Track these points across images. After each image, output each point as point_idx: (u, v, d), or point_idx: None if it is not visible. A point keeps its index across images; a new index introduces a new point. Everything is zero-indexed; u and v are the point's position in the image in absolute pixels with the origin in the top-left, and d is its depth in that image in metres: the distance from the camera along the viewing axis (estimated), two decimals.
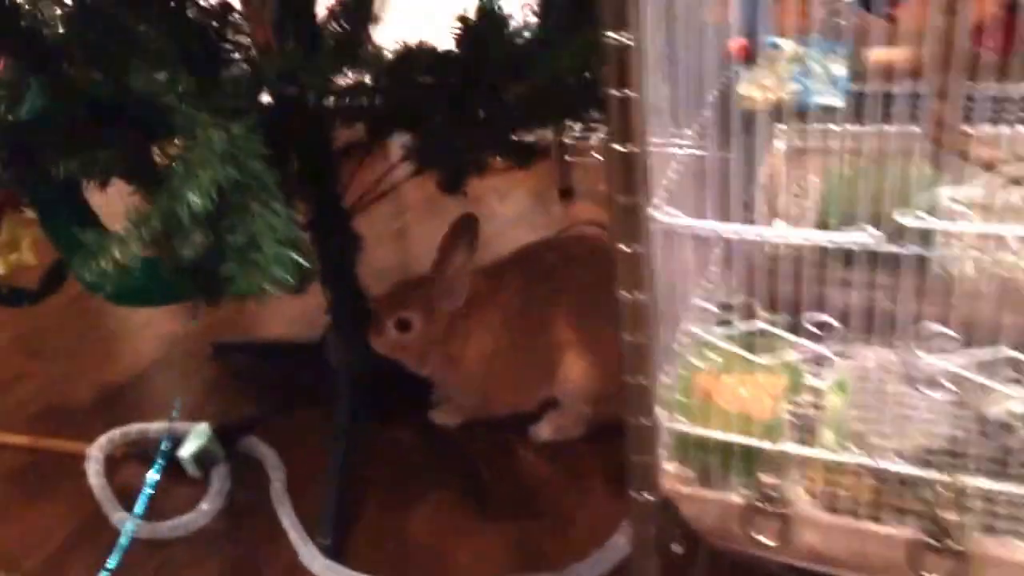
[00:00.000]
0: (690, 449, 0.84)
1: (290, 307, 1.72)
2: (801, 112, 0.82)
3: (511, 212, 1.86)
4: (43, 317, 1.71)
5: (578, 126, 2.01)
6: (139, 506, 1.24)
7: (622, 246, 0.71)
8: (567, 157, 1.97)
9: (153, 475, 1.27)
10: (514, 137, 1.38)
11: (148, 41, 0.92)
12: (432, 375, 1.32)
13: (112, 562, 1.16)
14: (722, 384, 0.88)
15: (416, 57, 1.26)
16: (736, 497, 0.80)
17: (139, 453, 1.37)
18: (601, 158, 1.96)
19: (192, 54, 0.91)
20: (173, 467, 1.31)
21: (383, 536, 1.19)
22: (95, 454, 1.36)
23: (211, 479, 1.30)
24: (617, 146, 0.66)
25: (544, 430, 1.31)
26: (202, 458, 1.32)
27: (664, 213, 0.72)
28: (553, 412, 1.31)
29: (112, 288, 1.17)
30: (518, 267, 1.30)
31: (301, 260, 0.81)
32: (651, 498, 0.82)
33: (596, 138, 1.98)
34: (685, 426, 0.81)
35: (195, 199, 0.78)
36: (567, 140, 1.97)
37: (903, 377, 0.90)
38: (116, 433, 1.40)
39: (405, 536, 1.18)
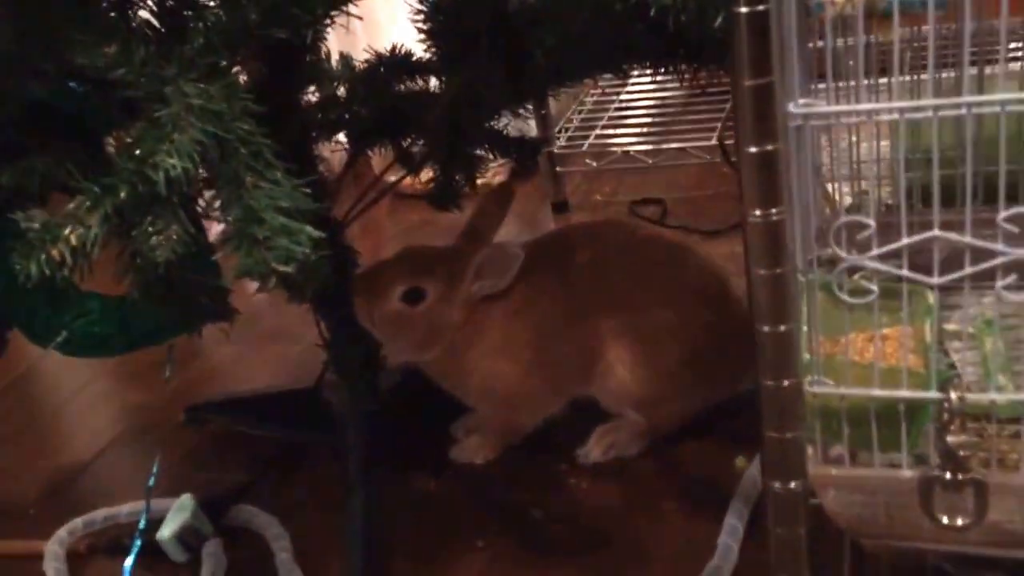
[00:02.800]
0: (835, 421, 0.68)
1: (267, 355, 1.55)
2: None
3: (502, 236, 1.71)
4: None
5: (566, 134, 1.89)
6: None
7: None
8: (558, 168, 1.84)
9: (128, 564, 1.06)
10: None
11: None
12: (430, 367, 1.14)
13: None
14: (844, 343, 0.74)
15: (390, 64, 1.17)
16: (907, 472, 0.65)
17: (109, 544, 1.17)
18: (595, 164, 1.84)
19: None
20: (153, 553, 1.10)
21: None
22: (54, 550, 1.15)
23: (201, 561, 1.10)
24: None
25: (594, 450, 1.15)
26: (187, 538, 1.12)
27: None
28: (601, 427, 1.15)
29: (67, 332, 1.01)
30: (547, 254, 1.15)
31: (312, 231, 0.65)
32: (797, 487, 0.65)
33: (588, 144, 1.86)
34: (837, 388, 0.65)
35: (171, 161, 0.62)
36: (557, 149, 1.83)
37: None
38: (78, 522, 1.20)
39: None
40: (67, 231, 0.62)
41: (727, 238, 1.55)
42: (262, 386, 1.45)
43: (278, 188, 0.67)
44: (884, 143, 0.86)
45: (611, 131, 1.93)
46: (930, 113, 0.55)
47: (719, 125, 1.80)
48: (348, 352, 1.19)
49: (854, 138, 0.86)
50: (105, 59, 0.72)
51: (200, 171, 0.68)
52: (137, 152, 0.62)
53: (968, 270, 0.56)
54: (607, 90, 2.10)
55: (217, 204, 0.68)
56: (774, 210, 0.57)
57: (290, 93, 1.01)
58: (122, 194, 0.62)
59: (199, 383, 1.51)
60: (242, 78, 0.85)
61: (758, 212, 0.57)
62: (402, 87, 1.21)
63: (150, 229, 0.68)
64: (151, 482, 1.09)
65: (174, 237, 0.69)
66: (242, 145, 0.68)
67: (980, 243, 0.55)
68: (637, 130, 1.92)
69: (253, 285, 0.70)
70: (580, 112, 2.01)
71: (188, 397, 1.44)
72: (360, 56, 1.22)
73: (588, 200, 1.90)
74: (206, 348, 1.59)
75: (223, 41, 0.72)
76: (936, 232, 0.56)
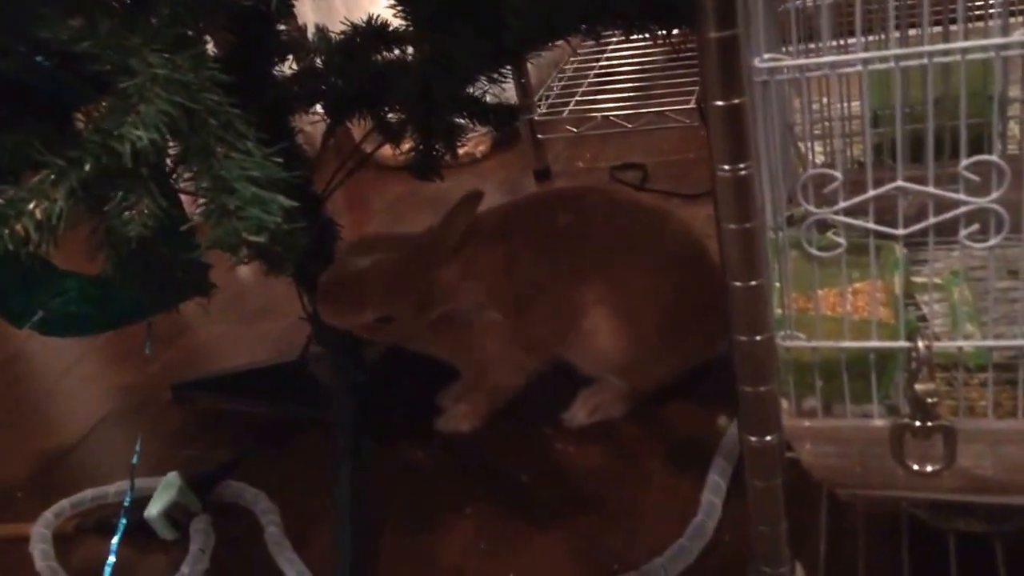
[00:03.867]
0: (808, 374, 0.69)
1: (253, 332, 1.56)
2: None
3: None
4: None
5: (547, 102, 1.89)
6: None
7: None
8: (539, 135, 1.84)
9: (116, 543, 1.07)
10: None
11: None
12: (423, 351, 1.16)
13: None
14: (816, 299, 0.75)
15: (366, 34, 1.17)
16: (879, 421, 0.66)
17: (97, 523, 1.18)
18: (575, 130, 1.84)
19: None
20: (142, 532, 1.12)
21: (416, 568, 1.01)
22: (41, 532, 1.15)
23: (190, 538, 1.10)
24: None
25: (579, 414, 1.16)
26: (175, 515, 1.13)
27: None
28: (586, 391, 1.16)
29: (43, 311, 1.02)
30: (527, 218, 1.15)
31: (284, 201, 0.65)
32: (773, 440, 0.67)
33: (568, 111, 1.86)
34: (809, 342, 0.66)
35: (137, 133, 0.62)
36: (538, 117, 1.83)
37: (1002, 273, 0.78)
38: (65, 504, 1.20)
39: (442, 564, 1.01)
40: (32, 205, 0.62)
41: (707, 202, 1.54)
42: (248, 362, 1.45)
43: (250, 158, 0.67)
44: (855, 104, 0.87)
45: (591, 97, 1.93)
46: (892, 64, 0.56)
47: (697, 88, 1.80)
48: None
49: (825, 99, 0.87)
50: (70, 32, 0.72)
51: (171, 144, 0.68)
52: (103, 125, 0.62)
53: (932, 220, 0.57)
54: (587, 57, 2.09)
55: (188, 176, 0.68)
56: (742, 164, 0.57)
57: (262, 63, 1.00)
58: (87, 167, 0.62)
59: (185, 361, 1.52)
60: (211, 49, 0.85)
61: (726, 167, 0.57)
62: (379, 57, 1.22)
63: (122, 204, 0.68)
64: (134, 461, 1.09)
65: (146, 211, 0.69)
66: (211, 116, 0.68)
67: (943, 193, 0.56)
68: (617, 95, 1.92)
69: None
70: (560, 79, 2.01)
71: (175, 376, 1.45)
72: (338, 28, 1.22)
73: (570, 167, 1.90)
74: (192, 326, 1.60)
75: (189, 10, 0.72)
76: (900, 183, 0.57)
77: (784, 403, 0.69)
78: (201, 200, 0.65)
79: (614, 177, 1.79)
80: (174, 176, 0.77)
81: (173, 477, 1.15)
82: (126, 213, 0.68)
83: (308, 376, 1.24)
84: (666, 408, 1.16)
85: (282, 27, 1.14)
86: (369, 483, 1.13)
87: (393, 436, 1.21)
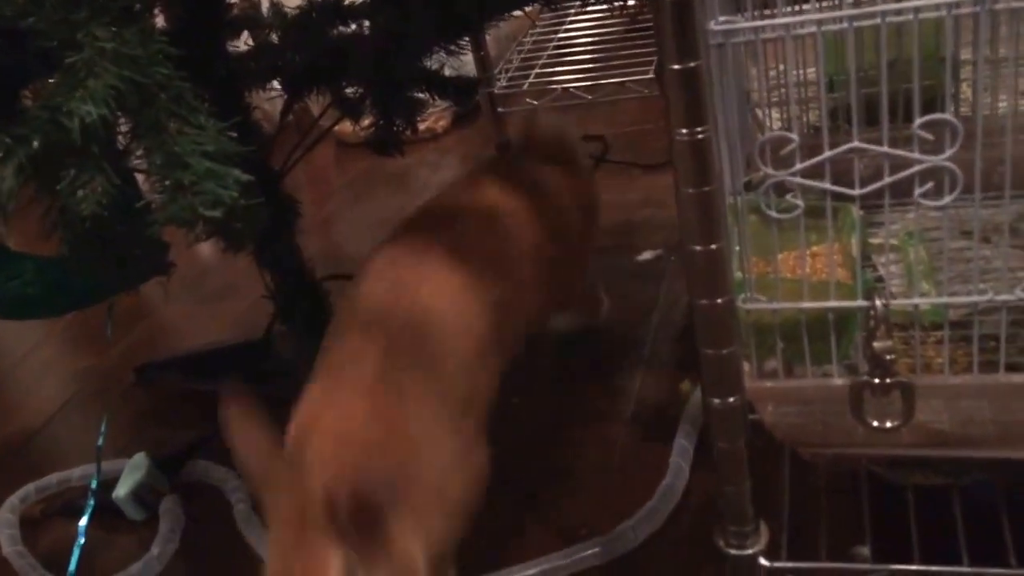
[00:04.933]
0: (769, 336, 0.69)
1: (215, 312, 1.53)
2: None
3: (447, 180, 1.70)
4: None
5: (506, 75, 1.87)
6: (72, 565, 1.02)
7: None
8: (500, 109, 1.81)
9: (84, 525, 1.06)
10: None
11: None
12: None
13: None
14: (776, 262, 0.75)
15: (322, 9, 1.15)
16: (839, 380, 0.66)
17: (64, 506, 1.16)
18: (535, 103, 1.82)
19: None
20: (110, 513, 1.10)
21: None
22: (6, 517, 1.14)
23: (159, 518, 1.09)
24: None
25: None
26: (143, 495, 1.11)
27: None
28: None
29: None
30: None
31: (240, 175, 0.64)
32: (736, 402, 0.67)
33: (528, 83, 1.84)
34: (769, 303, 0.66)
35: (86, 108, 0.60)
36: (497, 90, 1.81)
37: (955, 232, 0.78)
38: (30, 488, 1.19)
39: None
40: None
41: (667, 172, 1.54)
42: (212, 342, 1.43)
43: (203, 133, 0.65)
44: (811, 70, 0.87)
45: (551, 69, 1.91)
46: (846, 24, 0.55)
47: (656, 58, 1.79)
48: (295, 303, 1.18)
49: (781, 67, 0.86)
50: (15, 8, 0.69)
51: (123, 121, 0.66)
52: (50, 101, 0.60)
53: (887, 179, 0.57)
54: (545, 29, 2.07)
55: (140, 153, 0.66)
56: (699, 128, 0.57)
57: (215, 38, 0.98)
58: (35, 143, 0.60)
59: (148, 343, 1.50)
60: (161, 23, 0.82)
61: (684, 131, 0.57)
62: (335, 32, 1.19)
63: (74, 183, 0.66)
64: (100, 442, 1.08)
65: (99, 189, 0.67)
66: (161, 90, 0.66)
67: (898, 152, 0.56)
68: (576, 67, 1.90)
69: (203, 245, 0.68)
70: (519, 52, 1.99)
71: (138, 357, 1.43)
72: (293, 3, 1.20)
73: None
74: (154, 307, 1.57)
75: None
76: (856, 143, 0.57)
77: (746, 365, 0.69)
78: (155, 176, 0.63)
79: None
80: (128, 155, 0.74)
81: (140, 458, 1.14)
82: (79, 192, 0.66)
83: (273, 355, 1.22)
84: (632, 375, 1.16)
85: (235, 2, 1.12)
86: None
87: None
